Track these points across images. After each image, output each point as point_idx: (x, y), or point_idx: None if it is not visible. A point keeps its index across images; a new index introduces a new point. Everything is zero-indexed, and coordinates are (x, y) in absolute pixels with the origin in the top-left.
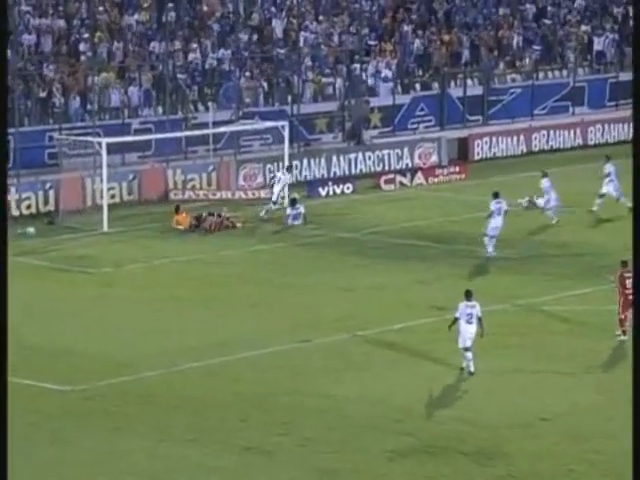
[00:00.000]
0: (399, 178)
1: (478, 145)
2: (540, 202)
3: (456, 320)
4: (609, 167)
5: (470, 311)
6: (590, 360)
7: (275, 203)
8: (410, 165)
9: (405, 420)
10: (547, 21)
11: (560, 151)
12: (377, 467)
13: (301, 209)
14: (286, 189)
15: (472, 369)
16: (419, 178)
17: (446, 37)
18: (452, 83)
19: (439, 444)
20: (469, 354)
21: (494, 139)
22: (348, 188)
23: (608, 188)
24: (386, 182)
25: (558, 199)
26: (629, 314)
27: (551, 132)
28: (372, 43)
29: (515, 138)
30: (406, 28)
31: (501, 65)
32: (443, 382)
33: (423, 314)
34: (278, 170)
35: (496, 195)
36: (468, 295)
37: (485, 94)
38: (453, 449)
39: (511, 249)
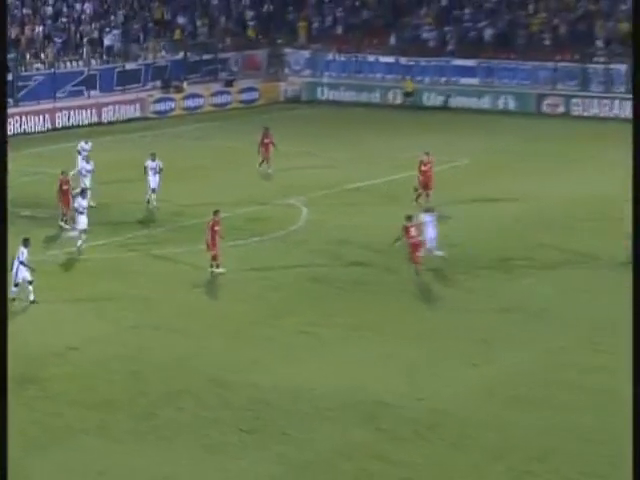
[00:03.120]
0: None
1: (10, 122)
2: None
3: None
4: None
5: (19, 255)
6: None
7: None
8: None
9: None
10: (64, 19)
11: (77, 128)
12: None
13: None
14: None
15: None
16: None
17: None
18: None
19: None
20: (15, 288)
21: (23, 118)
22: None
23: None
24: None
25: None
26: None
27: (72, 111)
28: None
29: (41, 117)
30: None
31: (28, 56)
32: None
33: None
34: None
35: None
36: (25, 242)
37: (14, 80)
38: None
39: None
